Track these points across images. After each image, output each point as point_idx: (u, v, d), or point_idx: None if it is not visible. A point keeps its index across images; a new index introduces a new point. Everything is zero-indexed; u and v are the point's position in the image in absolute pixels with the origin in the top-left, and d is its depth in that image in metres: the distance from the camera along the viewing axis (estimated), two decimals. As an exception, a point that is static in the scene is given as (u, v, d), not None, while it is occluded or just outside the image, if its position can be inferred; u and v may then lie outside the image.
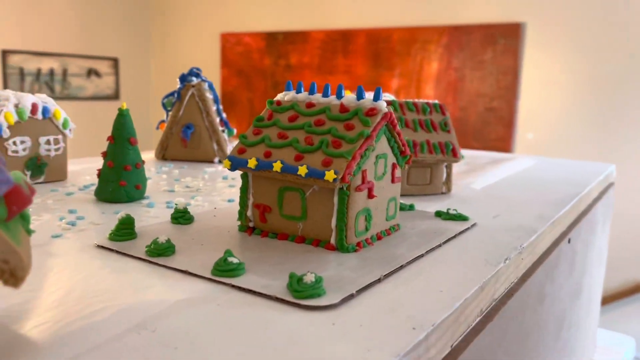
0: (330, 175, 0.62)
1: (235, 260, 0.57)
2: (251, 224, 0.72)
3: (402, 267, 0.62)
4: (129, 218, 0.68)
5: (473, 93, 4.10)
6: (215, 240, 0.68)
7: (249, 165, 0.68)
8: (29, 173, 0.99)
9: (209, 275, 0.56)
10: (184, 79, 1.31)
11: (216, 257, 0.60)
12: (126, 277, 0.56)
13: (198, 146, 1.31)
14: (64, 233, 0.71)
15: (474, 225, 0.82)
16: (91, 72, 5.36)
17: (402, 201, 0.96)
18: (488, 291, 0.62)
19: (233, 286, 0.54)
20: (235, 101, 5.14)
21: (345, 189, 0.65)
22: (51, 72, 5.06)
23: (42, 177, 1.01)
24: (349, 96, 0.71)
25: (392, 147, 0.73)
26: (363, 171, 0.66)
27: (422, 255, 0.67)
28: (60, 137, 1.03)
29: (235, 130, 1.37)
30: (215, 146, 1.31)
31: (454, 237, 0.75)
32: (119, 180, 0.87)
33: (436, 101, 1.07)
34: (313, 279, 0.53)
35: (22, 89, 4.88)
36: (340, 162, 0.63)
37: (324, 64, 4.80)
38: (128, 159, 0.88)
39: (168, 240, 0.63)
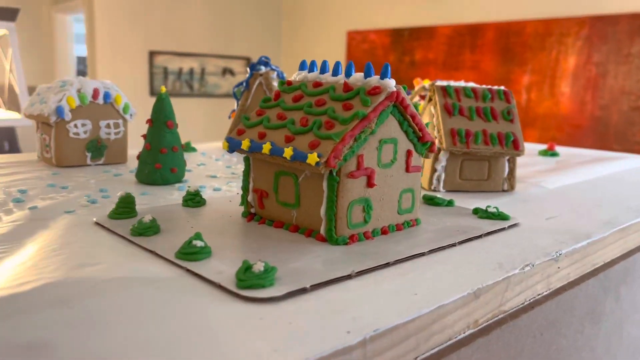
0: (312, 158, 0.56)
1: (199, 244, 0.54)
2: (252, 210, 0.69)
3: (387, 264, 0.55)
4: (128, 197, 0.68)
5: (617, 90, 3.70)
6: (208, 225, 0.66)
7: (242, 147, 0.64)
8: (89, 154, 1.04)
9: (172, 258, 0.54)
10: (253, 67, 1.30)
11: (189, 240, 0.57)
12: (88, 253, 0.55)
13: (265, 135, 1.30)
14: (79, 209, 0.72)
15: (513, 225, 0.72)
16: (226, 71, 5.66)
17: (445, 197, 0.87)
18: (489, 300, 0.52)
19: (188, 270, 0.51)
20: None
21: (335, 174, 0.59)
22: (191, 71, 5.42)
23: (102, 158, 1.06)
24: (357, 74, 0.64)
25: (406, 132, 0.65)
26: (359, 156, 0.60)
27: (422, 254, 0.59)
28: (120, 121, 1.07)
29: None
30: (281, 135, 1.29)
31: (478, 237, 0.66)
32: (155, 163, 0.88)
33: (502, 87, 0.95)
34: (262, 269, 0.48)
35: (165, 87, 5.27)
36: (327, 145, 0.57)
37: (449, 60, 4.62)
38: (164, 142, 0.89)
39: (153, 221, 0.62)
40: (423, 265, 0.56)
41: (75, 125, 1.02)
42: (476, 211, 0.75)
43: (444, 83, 0.96)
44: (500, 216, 0.73)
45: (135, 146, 1.14)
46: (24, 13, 5.31)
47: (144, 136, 0.91)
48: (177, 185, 0.89)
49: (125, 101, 1.08)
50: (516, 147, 0.89)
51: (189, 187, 0.77)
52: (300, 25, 5.62)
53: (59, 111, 0.98)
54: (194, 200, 0.74)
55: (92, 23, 4.74)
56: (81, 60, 6.32)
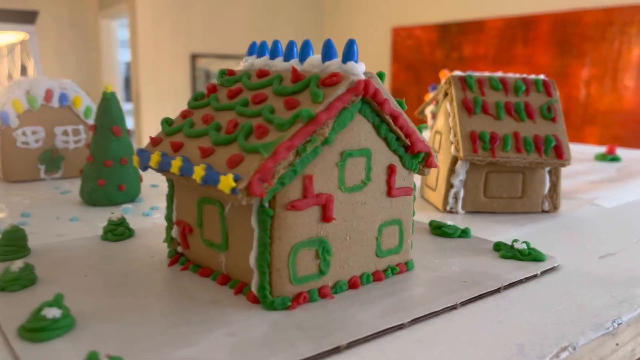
0: (226, 182, 0.37)
1: (51, 315, 0.36)
2: (179, 249, 0.50)
3: (337, 349, 0.35)
4: (14, 232, 0.50)
5: (686, 83, 3.35)
6: (111, 272, 0.47)
7: (150, 163, 0.46)
8: (42, 167, 0.88)
9: (13, 335, 0.36)
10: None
11: (52, 302, 0.39)
12: None
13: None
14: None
15: (549, 270, 0.50)
16: (268, 72, 5.52)
17: (462, 222, 0.66)
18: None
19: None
20: (403, 97, 4.90)
21: (268, 205, 0.39)
22: (232, 73, 5.32)
23: (60, 172, 0.90)
24: (314, 57, 0.44)
25: (385, 140, 0.45)
26: (306, 177, 0.40)
27: (401, 326, 0.38)
28: (81, 127, 0.91)
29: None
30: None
31: (494, 292, 0.45)
32: (98, 179, 0.71)
33: (541, 76, 0.73)
34: (106, 372, 0.29)
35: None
36: (252, 162, 0.38)
37: (500, 54, 4.33)
38: (110, 153, 0.71)
39: (25, 269, 0.44)
40: (397, 348, 0.35)
41: (24, 133, 0.86)
42: (498, 247, 0.54)
43: (463, 74, 0.74)
44: (531, 255, 0.51)
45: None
46: (71, 19, 5.34)
47: (88, 145, 0.74)
48: (124, 206, 0.72)
49: (87, 104, 0.91)
50: (559, 155, 0.67)
51: (112, 213, 0.59)
52: (344, 24, 5.42)
53: (2, 117, 0.83)
54: (114, 232, 0.55)
55: (135, 28, 4.70)
56: (129, 66, 6.34)
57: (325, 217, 0.41)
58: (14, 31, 2.38)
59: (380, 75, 0.44)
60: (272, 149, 0.38)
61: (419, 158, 0.47)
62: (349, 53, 0.42)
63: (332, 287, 0.43)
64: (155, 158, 0.45)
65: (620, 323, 0.40)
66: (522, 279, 0.47)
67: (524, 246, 0.52)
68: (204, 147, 0.42)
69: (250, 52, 0.52)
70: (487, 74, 0.74)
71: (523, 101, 0.70)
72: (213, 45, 5.11)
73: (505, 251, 0.52)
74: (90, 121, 0.91)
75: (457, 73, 0.72)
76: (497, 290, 0.45)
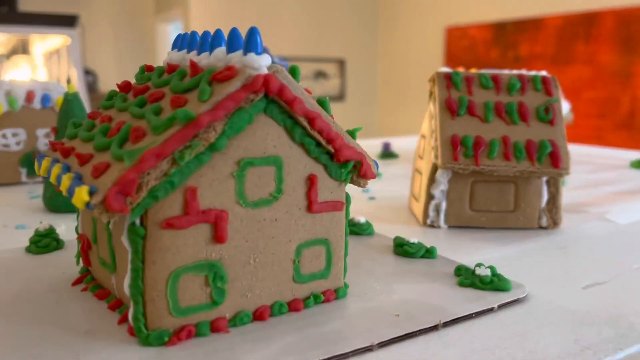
0: (80, 194, 0.31)
1: None
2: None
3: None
4: None
5: None
6: (6, 291, 0.43)
7: (40, 171, 0.41)
8: (24, 170, 0.86)
9: None
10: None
11: None
12: None
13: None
14: None
15: (512, 303, 0.42)
16: (319, 74, 5.50)
17: (435, 239, 0.58)
18: None
19: None
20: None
21: (140, 223, 0.33)
22: (283, 76, 5.32)
23: (42, 175, 0.87)
24: (219, 50, 0.38)
25: (303, 145, 0.38)
26: (187, 191, 0.34)
27: (289, 374, 0.31)
28: (64, 129, 0.88)
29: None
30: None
31: (432, 329, 0.37)
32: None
33: (542, 72, 0.64)
34: None
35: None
36: (113, 172, 0.32)
37: (559, 53, 4.13)
38: (70, 157, 0.67)
39: None
40: (265, 406, 0.28)
41: (4, 136, 0.84)
42: (459, 271, 0.46)
43: (449, 70, 0.66)
44: (493, 284, 0.43)
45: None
46: (130, 23, 5.49)
47: (51, 149, 0.70)
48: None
49: (71, 105, 0.88)
50: (555, 163, 0.58)
51: (41, 222, 0.55)
52: (397, 23, 5.30)
53: (-20, 118, 0.81)
54: (39, 243, 0.51)
55: (189, 31, 4.77)
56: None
57: (217, 237, 0.35)
58: (56, 35, 2.43)
59: (293, 70, 0.38)
60: (137, 156, 0.32)
61: (347, 167, 0.40)
62: (250, 43, 0.36)
63: (232, 319, 0.37)
64: (44, 165, 0.40)
65: (577, 379, 0.32)
66: (471, 314, 0.39)
67: (488, 272, 0.44)
68: (83, 153, 0.37)
69: (174, 44, 0.46)
70: (474, 70, 0.65)
71: (517, 101, 0.62)
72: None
73: (465, 277, 0.44)
74: (75, 123, 0.88)
75: (443, 70, 0.64)
76: (434, 328, 0.37)
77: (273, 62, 0.94)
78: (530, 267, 0.50)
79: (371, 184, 0.86)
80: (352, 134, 0.41)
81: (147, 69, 0.45)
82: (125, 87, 0.44)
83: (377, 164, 0.42)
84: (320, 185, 0.39)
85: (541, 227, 0.62)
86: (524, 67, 4.27)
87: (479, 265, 0.45)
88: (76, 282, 0.44)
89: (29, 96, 0.85)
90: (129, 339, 0.35)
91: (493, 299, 0.41)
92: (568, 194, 0.80)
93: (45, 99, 0.86)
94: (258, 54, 0.35)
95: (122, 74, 5.52)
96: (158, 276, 0.34)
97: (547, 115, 0.60)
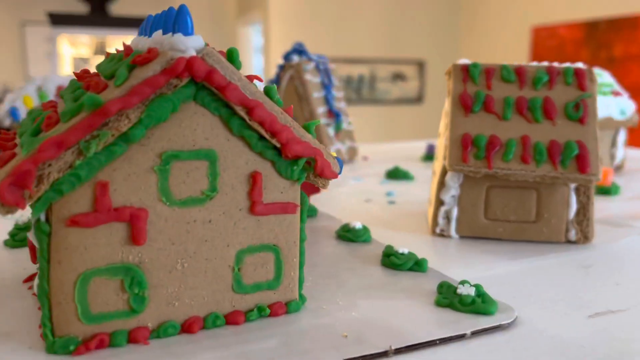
0: (-26, 187, 0.29)
1: None
2: (44, 262, 0.43)
3: None
4: None
5: None
6: (-43, 283, 0.41)
7: (-17, 162, 0.39)
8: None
9: None
10: (286, 58, 1.03)
11: None
12: None
13: (296, 143, 1.02)
14: None
15: (491, 330, 0.35)
16: (397, 76, 5.42)
17: (432, 251, 0.52)
18: None
19: None
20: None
21: (45, 220, 0.30)
22: (360, 78, 5.28)
23: (71, 170, 0.88)
24: (160, 32, 0.35)
25: (244, 138, 0.34)
26: (98, 184, 0.30)
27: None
28: (93, 125, 0.88)
29: (345, 125, 1.03)
30: (315, 144, 1.00)
31: (379, 356, 0.32)
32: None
33: (577, 64, 0.56)
34: None
35: (330, 96, 5.21)
36: (12, 163, 0.29)
37: (658, 53, 3.83)
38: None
39: None
40: None
41: (35, 130, 0.85)
42: (440, 289, 0.40)
43: (468, 62, 0.58)
44: (474, 306, 0.37)
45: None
46: (212, 26, 5.66)
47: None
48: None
49: (101, 101, 0.88)
50: (582, 168, 0.50)
51: (22, 215, 0.54)
52: (480, 22, 5.10)
53: (12, 113, 0.83)
54: (15, 237, 0.50)
55: (268, 33, 4.84)
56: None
57: (134, 237, 0.32)
58: (131, 36, 2.53)
59: (231, 53, 0.33)
60: (36, 145, 0.29)
61: (299, 164, 0.35)
62: (178, 22, 0.32)
63: (155, 329, 0.33)
64: (-13, 155, 0.38)
65: None
66: (435, 340, 0.33)
67: (471, 291, 0.38)
68: (8, 144, 0.34)
69: (140, 29, 0.43)
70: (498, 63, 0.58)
71: (542, 96, 0.54)
72: (341, 49, 5.10)
73: (444, 296, 0.38)
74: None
75: (462, 61, 0.58)
76: (383, 354, 0.32)
77: (309, 58, 0.90)
78: (536, 287, 0.43)
79: (399, 186, 0.80)
80: (307, 127, 0.36)
81: (107, 56, 0.43)
82: (80, 75, 0.42)
83: (341, 163, 0.37)
84: (267, 184, 0.35)
85: (569, 242, 0.54)
86: (619, 69, 3.98)
87: (462, 282, 0.39)
88: (28, 279, 0.42)
89: (59, 91, 0.85)
90: (41, 345, 0.32)
91: (469, 323, 0.35)
92: (619, 205, 0.70)
93: (76, 94, 0.86)
94: (187, 34, 0.32)
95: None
96: (64, 278, 0.31)
97: (577, 112, 0.52)
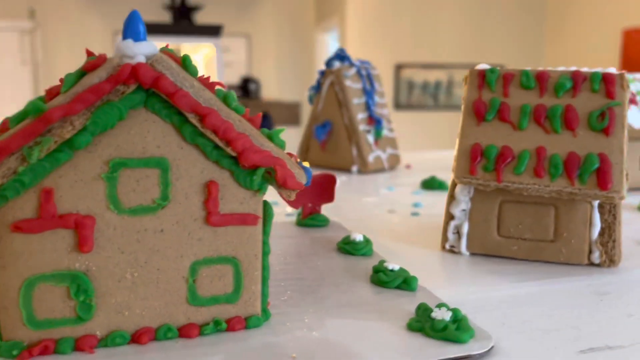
0: None
1: None
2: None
3: None
4: None
5: None
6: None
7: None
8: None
9: None
10: (327, 64, 1.02)
11: None
12: None
13: (335, 150, 1.01)
14: None
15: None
16: (476, 82, 5.26)
17: (456, 268, 0.49)
18: None
19: None
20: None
21: (-8, 224, 0.31)
22: (437, 84, 5.19)
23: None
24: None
25: (199, 147, 0.33)
26: (43, 191, 0.30)
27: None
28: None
29: (386, 132, 1.00)
30: (354, 150, 0.98)
31: (318, 383, 0.30)
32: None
33: (609, 70, 0.51)
34: None
35: (409, 101, 5.15)
36: (-41, 167, 0.30)
37: None
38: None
39: None
40: None
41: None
42: (418, 311, 0.37)
43: (487, 67, 0.54)
44: (444, 331, 0.34)
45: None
46: (292, 34, 5.77)
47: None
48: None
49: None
50: (603, 184, 0.45)
51: None
52: (566, 26, 4.86)
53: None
54: None
55: (344, 39, 4.86)
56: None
57: (80, 245, 0.31)
58: (204, 44, 2.62)
59: (184, 59, 0.33)
60: (-24, 151, 0.29)
61: (257, 174, 0.34)
62: (129, 28, 0.31)
63: (103, 338, 0.33)
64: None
65: None
66: (389, 369, 0.31)
67: (446, 316, 0.35)
68: (-23, 147, 0.35)
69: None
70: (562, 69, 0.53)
71: (564, 105, 0.49)
72: (419, 55, 5.02)
73: (417, 320, 0.36)
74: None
75: (482, 66, 0.54)
76: (328, 381, 0.30)
77: (351, 64, 0.88)
78: (533, 314, 0.39)
79: (431, 197, 0.77)
80: (270, 136, 0.35)
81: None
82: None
83: (309, 172, 0.36)
84: (225, 194, 0.34)
85: (592, 264, 0.49)
86: None
87: (440, 305, 0.36)
88: (15, 280, 0.43)
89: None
90: (-6, 348, 0.32)
91: (433, 351, 0.32)
92: (670, 225, 0.64)
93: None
94: (137, 40, 0.31)
95: (282, 82, 5.80)
96: (9, 283, 0.31)
97: (602, 122, 0.47)
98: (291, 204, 0.60)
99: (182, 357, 0.32)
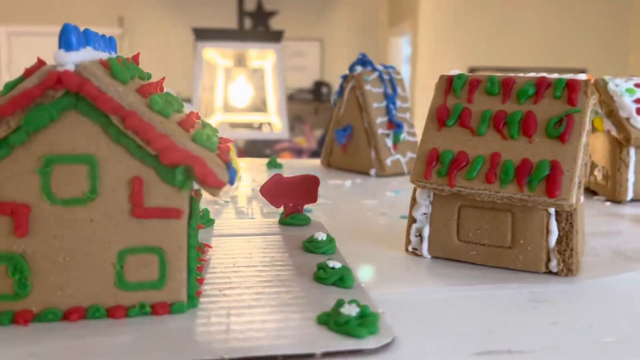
0: None
1: None
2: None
3: None
4: None
5: None
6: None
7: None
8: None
9: None
10: (350, 69, 1.04)
11: None
12: None
13: (355, 153, 1.02)
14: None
15: (352, 353, 0.34)
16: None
17: (417, 271, 0.50)
18: None
19: None
20: None
21: (-55, 208, 0.36)
22: (512, 88, 5.04)
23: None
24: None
25: (125, 146, 0.36)
26: (-15, 181, 0.35)
27: (7, 376, 0.31)
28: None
29: (405, 136, 1.00)
30: (372, 154, 0.99)
31: (204, 364, 0.32)
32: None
33: (579, 76, 0.50)
34: None
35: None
36: None
37: None
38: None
39: None
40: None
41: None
42: (335, 305, 0.39)
43: (456, 73, 0.54)
44: (346, 325, 0.35)
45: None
46: (363, 37, 5.81)
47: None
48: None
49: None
50: (550, 191, 0.45)
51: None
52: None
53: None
54: None
55: (416, 43, 4.84)
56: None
57: (16, 230, 0.36)
58: (265, 49, 2.70)
59: (111, 66, 0.36)
60: None
61: (178, 172, 0.37)
62: (61, 39, 0.36)
63: (38, 314, 0.37)
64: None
65: None
66: (277, 355, 0.33)
67: (353, 311, 0.36)
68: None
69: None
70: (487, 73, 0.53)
71: (524, 111, 0.49)
72: (493, 58, 4.90)
73: (327, 314, 0.37)
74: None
75: (452, 72, 0.54)
76: (214, 363, 0.32)
77: (373, 69, 0.90)
78: (451, 317, 0.40)
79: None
80: (194, 137, 0.38)
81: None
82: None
83: (233, 172, 0.38)
84: (150, 190, 0.37)
85: (550, 273, 0.49)
86: None
87: (351, 302, 0.38)
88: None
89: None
90: (-50, 316, 0.37)
91: (326, 343, 0.34)
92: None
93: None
94: (69, 50, 0.35)
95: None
96: (-42, 261, 0.36)
97: (558, 129, 0.47)
98: (272, 203, 0.62)
99: (95, 334, 0.35)
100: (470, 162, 0.48)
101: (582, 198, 0.49)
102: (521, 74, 0.53)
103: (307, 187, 0.63)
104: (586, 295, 0.44)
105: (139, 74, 0.43)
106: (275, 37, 2.70)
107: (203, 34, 2.61)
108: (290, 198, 0.62)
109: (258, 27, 3.47)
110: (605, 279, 0.48)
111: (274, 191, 0.62)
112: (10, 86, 0.35)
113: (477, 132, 0.50)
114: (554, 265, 0.48)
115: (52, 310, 0.37)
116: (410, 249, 0.54)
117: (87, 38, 0.38)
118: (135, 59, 0.46)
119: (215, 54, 2.75)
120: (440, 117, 0.52)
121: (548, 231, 0.48)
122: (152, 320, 0.37)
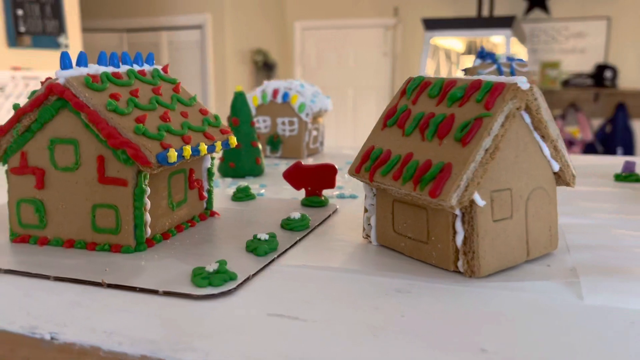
0: (-15, 148, 0.59)
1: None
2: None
3: (-53, 262, 0.53)
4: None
5: None
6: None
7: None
8: (268, 147, 1.18)
9: None
10: (474, 62, 1.04)
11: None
12: None
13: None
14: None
15: (186, 296, 0.45)
16: None
17: (363, 255, 0.58)
18: None
19: None
20: None
21: (7, 167, 0.58)
22: None
23: (279, 152, 1.17)
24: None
25: (92, 133, 0.54)
26: (23, 153, 0.56)
27: (-3, 270, 0.51)
28: (295, 119, 1.15)
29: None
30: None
31: (92, 284, 0.47)
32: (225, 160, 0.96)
33: (516, 81, 0.49)
34: None
35: None
36: (-5, 137, 0.58)
37: None
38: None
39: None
40: (-43, 276, 0.50)
41: (258, 121, 1.17)
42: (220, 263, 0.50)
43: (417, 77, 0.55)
44: (195, 277, 0.47)
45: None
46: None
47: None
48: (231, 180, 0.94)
49: (302, 101, 1.14)
50: (432, 192, 0.47)
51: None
52: None
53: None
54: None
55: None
56: None
57: (37, 184, 0.56)
58: (496, 35, 2.63)
59: (88, 81, 0.53)
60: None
61: (120, 152, 0.52)
62: (60, 61, 0.54)
63: (51, 240, 0.57)
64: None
65: (55, 339, 0.39)
66: (135, 287, 0.46)
67: (211, 269, 0.47)
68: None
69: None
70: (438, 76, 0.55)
71: (447, 114, 0.50)
72: None
73: (199, 271, 0.49)
74: (304, 115, 1.13)
75: (420, 75, 0.57)
76: (98, 284, 0.47)
77: (492, 61, 0.95)
78: (317, 293, 0.47)
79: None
80: (137, 129, 0.53)
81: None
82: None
83: (161, 156, 0.52)
84: (108, 164, 0.54)
85: (458, 272, 0.50)
86: None
87: (218, 261, 0.48)
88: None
89: (275, 93, 1.14)
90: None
91: (170, 287, 0.46)
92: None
93: (285, 95, 1.14)
94: (63, 69, 0.54)
95: (644, 70, 5.15)
96: (12, 200, 0.58)
97: (462, 132, 0.48)
98: (294, 186, 0.73)
99: (68, 256, 0.53)
100: (389, 160, 0.53)
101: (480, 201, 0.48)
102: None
103: (325, 174, 0.72)
104: (463, 297, 0.46)
105: (158, 79, 0.60)
106: (506, 22, 2.61)
107: (432, 24, 2.69)
108: (309, 183, 0.73)
109: (532, 9, 3.35)
110: (506, 283, 0.47)
111: (295, 176, 0.73)
112: (32, 94, 0.55)
113: (405, 133, 0.53)
114: (460, 264, 0.50)
115: (57, 239, 0.57)
116: (364, 235, 0.60)
117: (83, 60, 0.55)
118: (165, 69, 0.63)
119: (446, 42, 2.80)
120: (387, 117, 0.56)
121: (455, 231, 0.49)
122: (108, 255, 0.54)
